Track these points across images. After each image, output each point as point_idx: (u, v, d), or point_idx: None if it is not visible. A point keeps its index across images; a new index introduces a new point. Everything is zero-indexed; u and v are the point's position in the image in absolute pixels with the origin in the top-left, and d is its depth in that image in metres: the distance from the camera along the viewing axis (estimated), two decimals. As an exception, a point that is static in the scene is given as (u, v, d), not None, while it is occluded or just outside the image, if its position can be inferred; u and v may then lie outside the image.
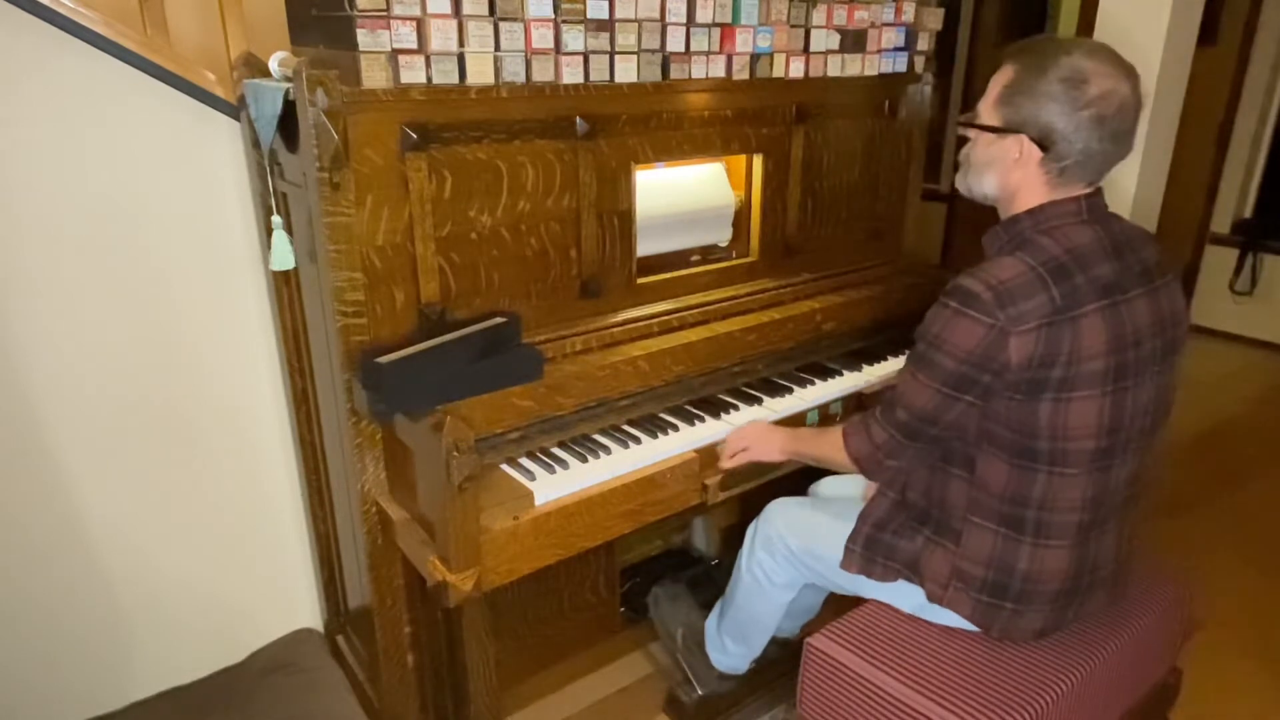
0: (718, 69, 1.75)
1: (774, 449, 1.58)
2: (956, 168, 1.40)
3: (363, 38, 1.32)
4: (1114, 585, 1.45)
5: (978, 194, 1.37)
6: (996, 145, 1.30)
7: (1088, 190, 1.28)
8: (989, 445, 1.31)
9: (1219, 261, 4.39)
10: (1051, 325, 1.19)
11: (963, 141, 1.38)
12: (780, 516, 1.67)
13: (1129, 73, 1.22)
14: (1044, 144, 1.24)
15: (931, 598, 1.42)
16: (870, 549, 1.49)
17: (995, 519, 1.34)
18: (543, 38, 1.49)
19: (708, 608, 1.92)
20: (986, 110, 1.31)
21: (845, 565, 1.51)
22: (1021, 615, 1.36)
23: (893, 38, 2.03)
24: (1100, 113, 1.20)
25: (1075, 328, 1.20)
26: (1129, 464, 1.33)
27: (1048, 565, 1.33)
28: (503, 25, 1.45)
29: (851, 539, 1.51)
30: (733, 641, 1.82)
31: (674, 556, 2.27)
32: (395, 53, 1.36)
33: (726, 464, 1.61)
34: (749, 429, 1.61)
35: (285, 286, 1.71)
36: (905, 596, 1.48)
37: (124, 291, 1.65)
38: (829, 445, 1.48)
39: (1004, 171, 1.30)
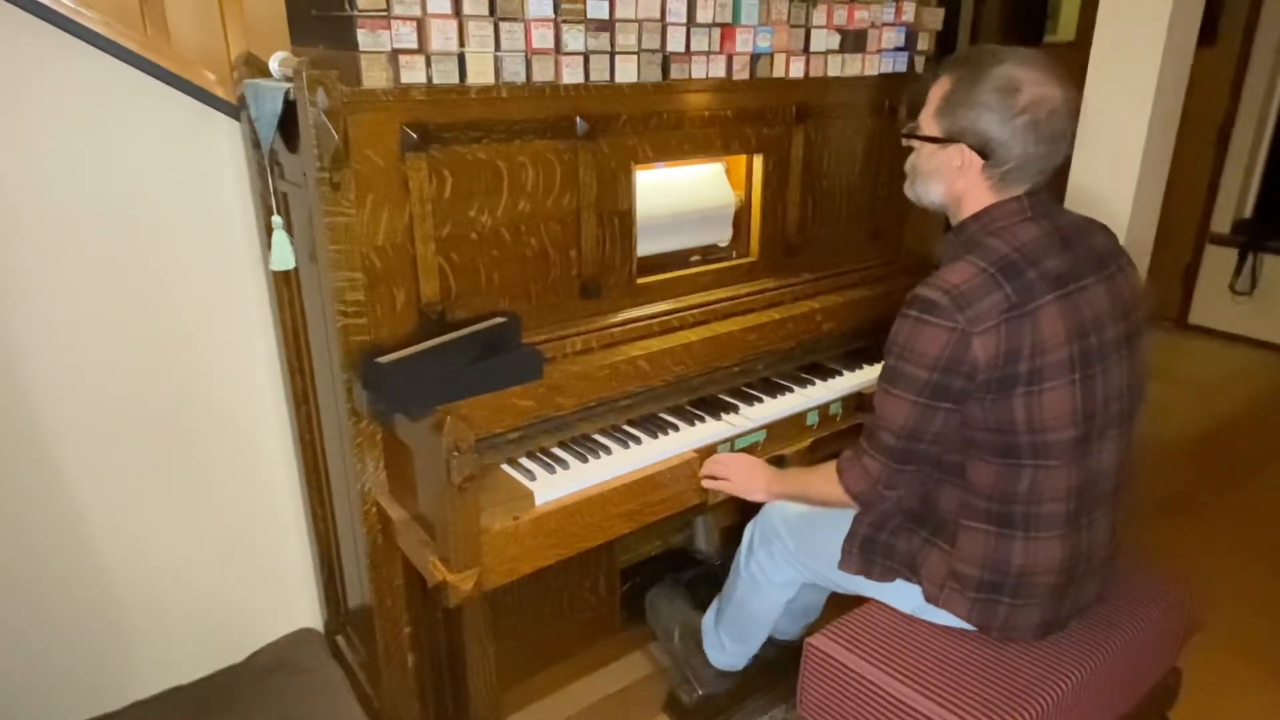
0: (718, 69, 1.75)
1: (757, 487, 1.57)
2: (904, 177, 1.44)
3: (363, 38, 1.32)
4: (1106, 575, 1.45)
5: (926, 202, 1.41)
6: (939, 155, 1.34)
7: (1029, 189, 1.32)
8: (974, 451, 1.32)
9: (1219, 261, 4.39)
10: (1010, 321, 1.22)
11: (908, 152, 1.42)
12: (779, 516, 1.67)
13: (1060, 78, 1.27)
14: (983, 152, 1.28)
15: (928, 598, 1.42)
16: (868, 549, 1.49)
17: (985, 519, 1.35)
18: (543, 38, 1.49)
19: (705, 607, 1.92)
20: (927, 121, 1.35)
21: (844, 566, 1.51)
22: (1019, 610, 1.36)
23: (893, 38, 2.04)
24: (1034, 118, 1.24)
25: (1034, 320, 1.23)
26: (1110, 450, 1.35)
27: (1041, 557, 1.34)
28: (503, 25, 1.45)
29: (848, 540, 1.51)
30: (730, 639, 1.82)
31: (674, 556, 2.27)
32: (395, 53, 1.36)
33: (704, 485, 1.60)
34: (736, 461, 1.60)
35: (285, 286, 1.71)
36: (904, 596, 1.48)
37: (124, 291, 1.65)
38: (820, 484, 1.47)
39: (949, 180, 1.34)
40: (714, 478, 1.60)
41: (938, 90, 1.34)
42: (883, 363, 1.33)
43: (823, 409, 1.81)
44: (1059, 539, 1.33)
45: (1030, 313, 1.23)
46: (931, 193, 1.38)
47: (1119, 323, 1.32)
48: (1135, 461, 1.43)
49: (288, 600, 2.05)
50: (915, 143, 1.39)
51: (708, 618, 1.88)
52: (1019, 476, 1.30)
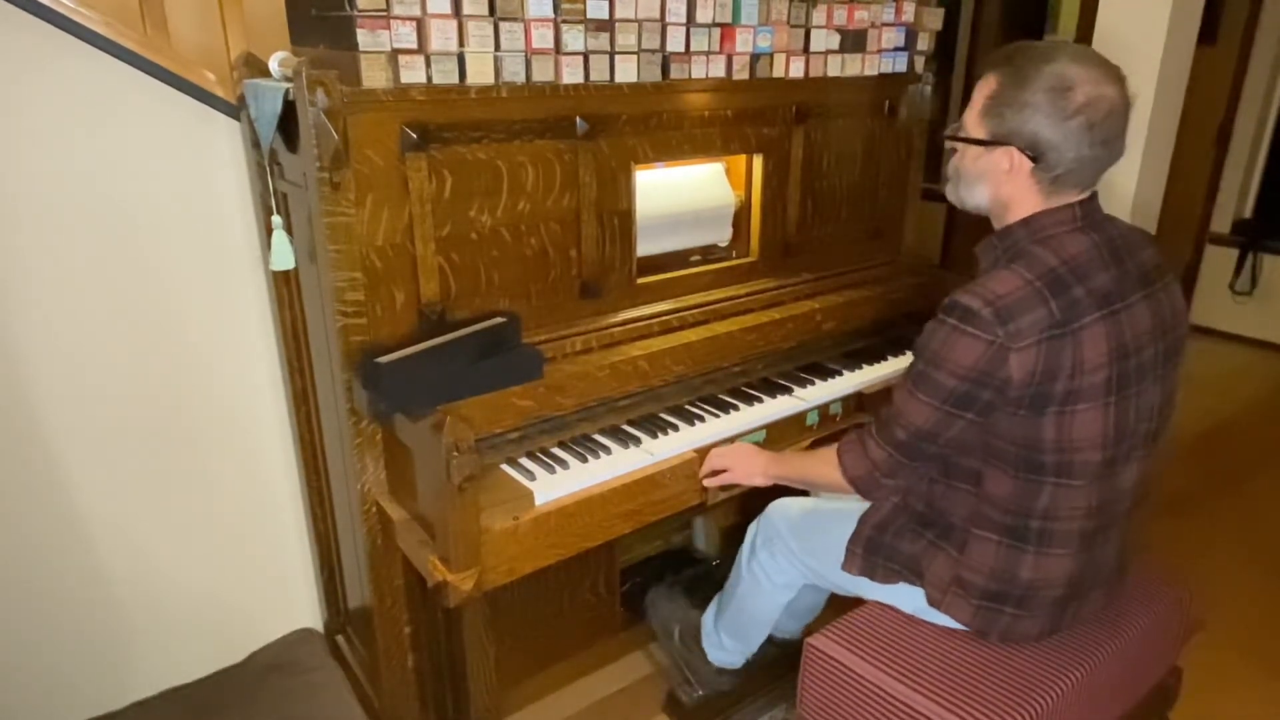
0: (718, 69, 1.75)
1: (756, 472, 1.55)
2: (946, 179, 1.38)
3: (363, 38, 1.32)
4: (1113, 586, 1.45)
5: (970, 205, 1.34)
6: (985, 158, 1.27)
7: (1082, 196, 1.26)
8: (994, 460, 1.29)
9: (1219, 261, 4.39)
10: (1052, 340, 1.18)
11: (951, 152, 1.35)
12: (781, 516, 1.67)
13: (1115, 75, 1.19)
14: (1034, 155, 1.22)
15: (931, 602, 1.42)
16: (871, 551, 1.48)
17: (998, 530, 1.33)
18: (543, 38, 1.49)
19: (705, 607, 1.92)
20: (972, 122, 1.28)
21: (847, 567, 1.51)
22: (1021, 620, 1.36)
23: (893, 38, 2.03)
24: (1089, 120, 1.17)
25: (1076, 340, 1.19)
26: (1133, 469, 1.32)
27: (1051, 573, 1.32)
28: (503, 25, 1.45)
29: (853, 541, 1.51)
30: (729, 638, 1.82)
31: (674, 556, 2.27)
32: (395, 53, 1.36)
33: (706, 482, 1.59)
34: (732, 449, 1.59)
35: (285, 286, 1.71)
36: (906, 598, 1.48)
37: (124, 291, 1.65)
38: (819, 466, 1.45)
39: (996, 184, 1.28)
40: (713, 474, 1.59)
41: (982, 89, 1.26)
42: (911, 363, 1.29)
43: (823, 409, 1.81)
44: (1071, 556, 1.32)
45: (1073, 332, 1.18)
46: (976, 196, 1.31)
47: (1158, 341, 1.27)
48: (1151, 479, 1.39)
49: (288, 600, 2.05)
50: (959, 145, 1.32)
51: (707, 615, 1.88)
52: (1039, 492, 1.27)
